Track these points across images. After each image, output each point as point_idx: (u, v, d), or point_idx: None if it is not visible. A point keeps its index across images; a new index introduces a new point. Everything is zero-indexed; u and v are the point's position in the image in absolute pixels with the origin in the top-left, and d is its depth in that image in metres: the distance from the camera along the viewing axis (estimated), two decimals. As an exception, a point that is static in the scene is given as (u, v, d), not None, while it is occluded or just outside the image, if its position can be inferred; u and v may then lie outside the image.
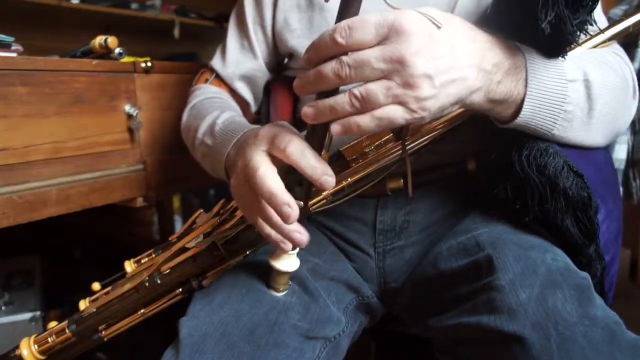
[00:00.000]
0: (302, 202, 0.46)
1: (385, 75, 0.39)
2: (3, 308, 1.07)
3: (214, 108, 0.69)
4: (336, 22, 0.40)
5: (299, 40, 0.68)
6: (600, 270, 0.52)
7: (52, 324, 0.63)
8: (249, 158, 0.46)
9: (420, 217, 0.63)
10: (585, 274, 0.48)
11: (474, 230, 0.55)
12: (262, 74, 0.77)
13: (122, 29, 2.00)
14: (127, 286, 0.59)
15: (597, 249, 0.52)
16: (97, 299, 0.63)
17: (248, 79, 0.78)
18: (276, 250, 0.51)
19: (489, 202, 0.57)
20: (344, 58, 0.39)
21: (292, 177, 0.46)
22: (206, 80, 0.79)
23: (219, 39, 0.82)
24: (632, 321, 0.51)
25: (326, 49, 0.40)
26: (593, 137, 0.53)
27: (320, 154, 0.45)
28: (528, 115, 0.48)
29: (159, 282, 0.58)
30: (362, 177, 0.55)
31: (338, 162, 0.55)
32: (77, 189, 0.79)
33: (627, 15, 0.56)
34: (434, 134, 0.55)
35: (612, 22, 0.56)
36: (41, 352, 0.62)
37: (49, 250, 1.43)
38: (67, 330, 0.61)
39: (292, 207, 0.44)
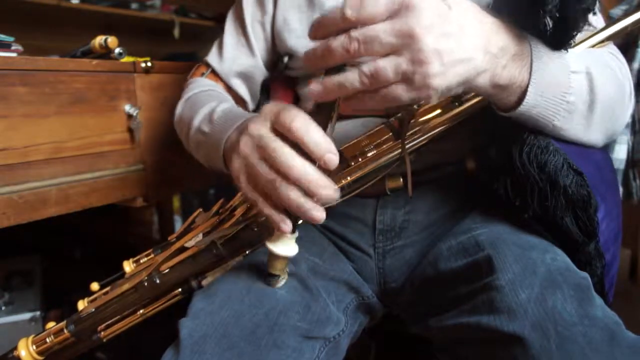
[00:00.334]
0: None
1: (394, 51, 0.38)
2: (3, 308, 1.07)
3: (212, 99, 0.68)
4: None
5: (299, 40, 0.68)
6: (601, 268, 0.52)
7: (51, 324, 0.63)
8: (256, 132, 0.45)
9: (420, 217, 0.63)
10: (585, 274, 0.48)
11: (473, 230, 0.55)
12: (259, 71, 0.77)
13: (122, 29, 2.00)
14: (126, 286, 0.59)
15: (597, 247, 0.52)
16: (95, 299, 0.62)
17: (245, 76, 0.77)
18: (274, 233, 0.49)
19: (489, 202, 0.57)
20: (353, 32, 0.39)
21: None
22: (202, 75, 0.78)
23: (219, 39, 0.82)
24: (632, 321, 0.51)
25: (334, 24, 0.40)
26: (592, 133, 0.53)
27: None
28: (531, 104, 0.47)
29: (158, 282, 0.58)
30: (361, 176, 0.54)
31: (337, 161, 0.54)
32: (77, 189, 0.79)
33: (625, 14, 0.56)
34: (433, 132, 0.55)
35: (610, 22, 0.57)
36: (39, 353, 0.62)
37: (49, 250, 1.43)
38: (65, 331, 0.60)
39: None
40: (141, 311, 0.60)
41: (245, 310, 0.51)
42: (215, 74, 0.77)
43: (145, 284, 0.58)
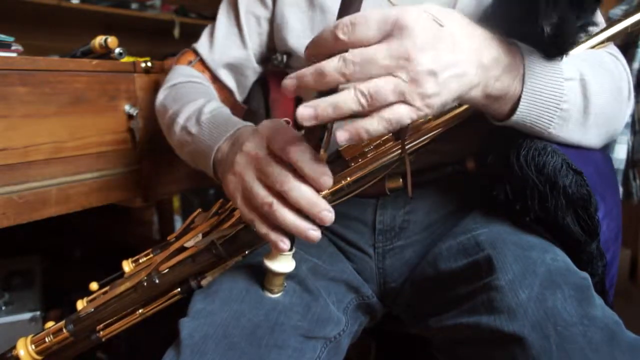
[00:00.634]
0: None
1: (390, 72, 0.38)
2: (3, 308, 1.07)
3: (199, 94, 0.67)
4: (337, 20, 0.40)
5: (299, 40, 0.68)
6: (602, 268, 0.52)
7: (50, 324, 0.62)
8: (254, 153, 0.46)
9: (420, 217, 0.63)
10: (585, 274, 0.48)
11: (473, 230, 0.55)
12: (249, 64, 0.76)
13: (122, 29, 2.00)
14: (125, 286, 0.59)
15: (599, 246, 0.52)
16: (94, 298, 0.62)
17: (234, 68, 0.76)
18: (272, 251, 0.50)
19: (489, 202, 0.57)
20: (348, 55, 0.38)
21: None
22: (189, 63, 0.76)
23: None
24: (632, 321, 0.51)
25: (327, 46, 0.40)
26: (589, 137, 0.53)
27: (318, 154, 0.44)
28: (524, 113, 0.48)
29: (157, 281, 0.58)
30: (361, 177, 0.54)
31: (337, 162, 0.54)
32: (77, 189, 0.79)
33: (625, 15, 0.56)
34: (433, 133, 0.55)
35: (610, 23, 0.57)
36: (38, 353, 0.61)
37: (49, 250, 1.43)
38: (64, 330, 0.60)
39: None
40: (140, 311, 0.60)
41: (246, 310, 0.51)
42: (202, 63, 0.76)
43: (145, 283, 0.58)
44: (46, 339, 0.61)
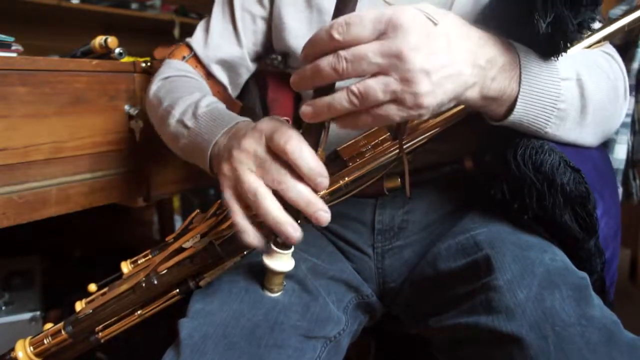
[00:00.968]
0: None
1: (382, 71, 0.38)
2: (3, 308, 1.07)
3: (194, 89, 0.66)
4: (332, 19, 0.40)
5: (297, 40, 0.68)
6: (600, 265, 0.52)
7: (48, 326, 0.62)
8: (252, 147, 0.46)
9: (419, 217, 0.63)
10: (583, 274, 0.48)
11: (472, 230, 0.55)
12: (243, 61, 0.75)
13: (122, 29, 2.00)
14: (124, 287, 0.59)
15: (597, 243, 0.52)
16: (93, 300, 0.62)
17: (228, 65, 0.75)
18: (270, 249, 0.50)
19: (488, 202, 0.57)
20: (341, 52, 0.39)
21: None
22: (183, 58, 0.75)
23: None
24: (632, 321, 0.51)
25: (322, 45, 0.40)
26: (585, 136, 0.53)
27: (316, 152, 0.45)
28: (521, 113, 0.48)
29: (155, 282, 0.57)
30: (359, 177, 0.54)
31: (335, 162, 0.54)
32: (77, 189, 0.79)
33: (623, 14, 0.56)
34: (431, 132, 0.55)
35: (607, 22, 0.57)
36: (37, 354, 0.61)
37: (49, 250, 1.43)
38: (63, 332, 0.60)
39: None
40: (139, 312, 0.60)
41: (245, 310, 0.51)
42: (196, 59, 0.75)
43: (143, 284, 0.58)
44: (45, 341, 0.61)
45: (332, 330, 0.56)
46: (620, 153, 0.73)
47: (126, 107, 0.84)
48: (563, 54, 0.47)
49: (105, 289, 0.63)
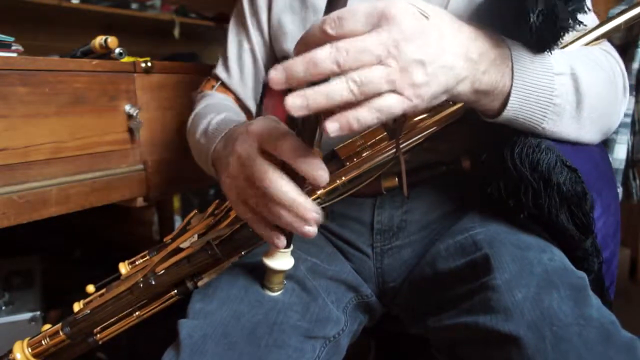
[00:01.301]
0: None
1: (380, 61, 0.38)
2: (3, 308, 1.07)
3: (212, 111, 0.68)
4: (324, 15, 0.39)
5: (294, 43, 0.68)
6: (598, 264, 0.52)
7: (46, 327, 0.62)
8: (244, 153, 0.46)
9: (418, 217, 0.63)
10: (582, 274, 0.48)
11: (471, 230, 0.55)
12: (262, 75, 0.77)
13: (122, 29, 2.00)
14: (122, 288, 0.59)
15: (594, 243, 0.52)
16: (91, 301, 0.62)
17: (254, 84, 0.78)
18: (270, 249, 0.50)
19: (486, 201, 0.57)
20: (340, 44, 0.37)
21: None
22: (212, 87, 0.79)
23: (219, 39, 0.82)
24: (632, 321, 0.51)
25: (315, 42, 0.39)
26: (584, 132, 0.53)
27: (311, 149, 0.44)
28: (515, 108, 0.47)
29: (153, 283, 0.57)
30: (356, 176, 0.54)
31: (332, 162, 0.54)
32: (77, 189, 0.79)
33: (619, 13, 0.56)
34: (427, 132, 0.55)
35: (604, 20, 0.57)
36: (35, 355, 0.61)
37: (49, 250, 1.43)
38: (61, 333, 0.60)
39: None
40: (137, 313, 0.60)
41: (245, 310, 0.51)
42: (225, 86, 0.78)
43: (141, 285, 0.58)
44: (43, 342, 0.61)
45: (332, 330, 0.56)
46: (620, 153, 0.73)
47: (126, 107, 0.84)
48: (555, 47, 0.47)
49: (103, 290, 0.63)
